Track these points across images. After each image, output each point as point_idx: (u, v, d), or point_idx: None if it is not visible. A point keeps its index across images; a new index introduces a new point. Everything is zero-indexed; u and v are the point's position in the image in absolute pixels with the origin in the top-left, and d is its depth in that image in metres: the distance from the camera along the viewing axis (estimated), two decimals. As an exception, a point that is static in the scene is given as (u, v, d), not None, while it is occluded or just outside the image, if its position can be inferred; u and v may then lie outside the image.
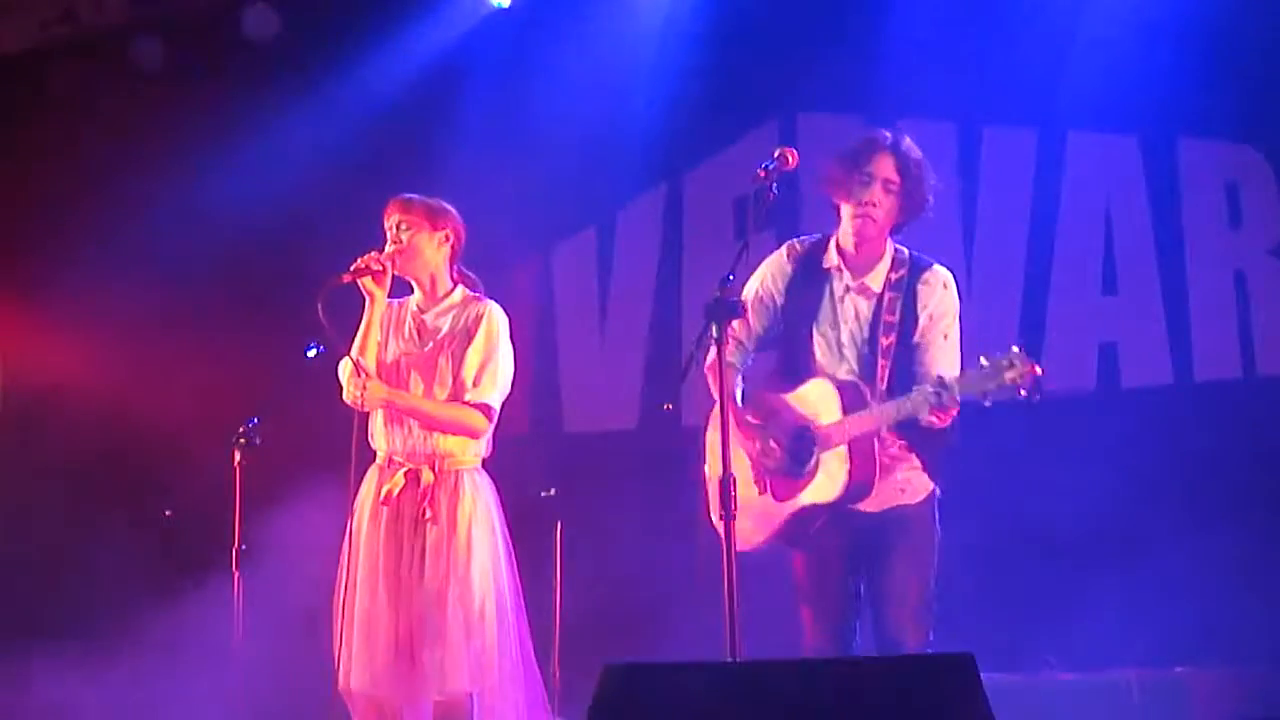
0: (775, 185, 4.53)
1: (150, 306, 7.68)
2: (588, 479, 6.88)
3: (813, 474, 4.72)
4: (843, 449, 4.68)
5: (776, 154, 4.55)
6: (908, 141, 4.86)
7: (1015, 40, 6.60)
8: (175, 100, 7.91)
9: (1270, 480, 6.15)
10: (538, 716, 5.05)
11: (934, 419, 4.58)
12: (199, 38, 8.01)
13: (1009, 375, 4.44)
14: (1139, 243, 6.67)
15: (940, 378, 4.58)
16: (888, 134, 4.87)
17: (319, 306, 4.80)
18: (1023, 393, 4.45)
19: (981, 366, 4.51)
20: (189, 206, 7.54)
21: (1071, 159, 6.77)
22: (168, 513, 7.33)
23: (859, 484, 4.68)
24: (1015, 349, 4.47)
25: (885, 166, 4.80)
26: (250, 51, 7.86)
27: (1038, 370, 4.45)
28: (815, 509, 4.73)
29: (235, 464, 5.46)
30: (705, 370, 4.59)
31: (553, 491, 6.26)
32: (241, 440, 5.46)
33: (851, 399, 4.70)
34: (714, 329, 4.36)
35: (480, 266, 6.68)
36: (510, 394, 5.09)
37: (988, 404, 4.53)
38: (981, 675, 3.54)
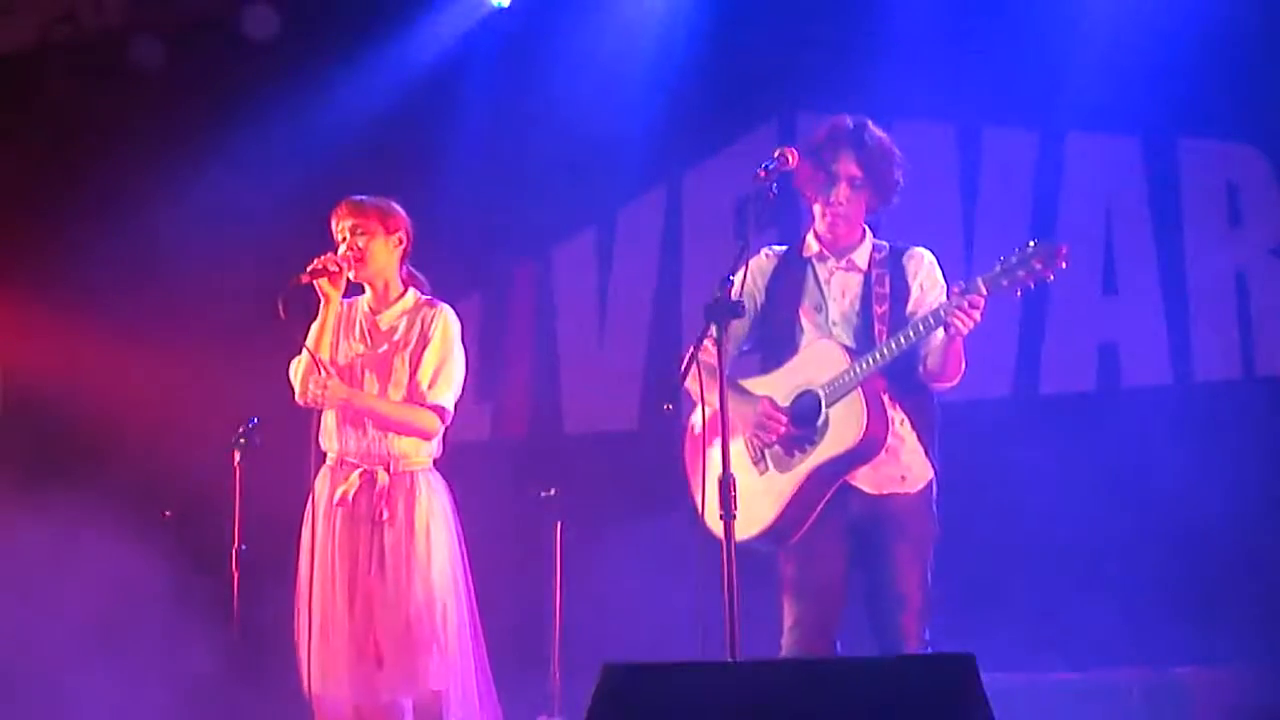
0: (775, 185, 4.53)
1: (150, 306, 7.68)
2: (588, 479, 6.88)
3: (824, 430, 4.69)
4: (856, 397, 4.64)
5: (776, 154, 4.55)
6: (870, 130, 4.84)
7: (1015, 40, 6.60)
8: (175, 100, 7.90)
9: (1270, 480, 6.15)
10: (495, 715, 5.07)
11: (960, 320, 4.49)
12: (199, 38, 8.01)
13: (1036, 260, 4.40)
14: (1139, 243, 6.66)
15: (963, 285, 4.54)
16: (849, 123, 4.84)
17: (279, 306, 4.83)
18: (1051, 276, 4.42)
19: (1003, 259, 4.47)
20: (189, 206, 7.54)
21: (1071, 159, 6.77)
22: (167, 513, 7.32)
23: (873, 436, 4.64)
24: (1034, 240, 4.44)
25: (848, 164, 4.80)
26: (250, 51, 7.86)
27: (1065, 250, 4.39)
28: (831, 464, 4.67)
29: (235, 464, 5.46)
30: (687, 383, 4.50)
31: (553, 491, 6.26)
32: (241, 440, 5.46)
33: (855, 353, 4.70)
34: (714, 329, 4.36)
35: (480, 266, 6.69)
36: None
37: (1018, 295, 4.49)
38: (981, 675, 3.54)
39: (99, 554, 7.34)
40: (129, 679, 6.97)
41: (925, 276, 4.82)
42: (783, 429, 4.74)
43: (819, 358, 4.76)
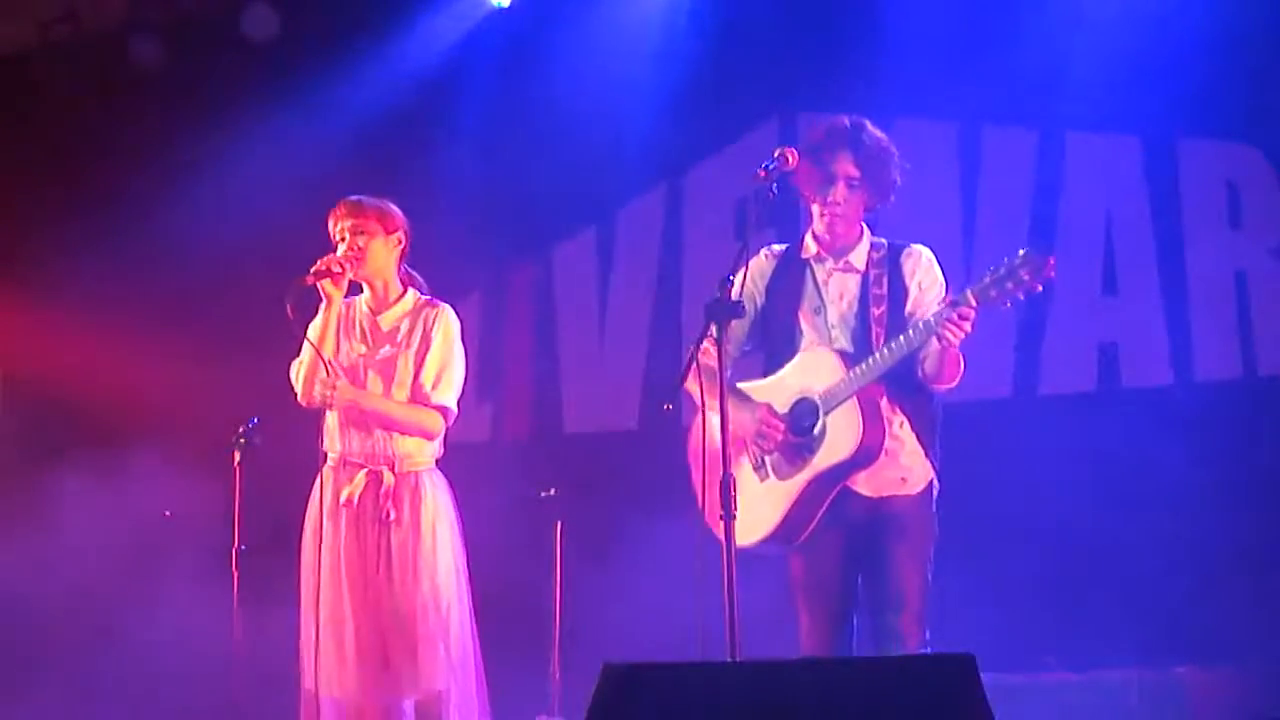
0: (775, 185, 4.52)
1: (150, 305, 7.68)
2: (588, 479, 6.88)
3: (821, 438, 4.70)
4: (852, 406, 4.65)
5: (776, 154, 4.54)
6: (868, 129, 4.83)
7: (1015, 40, 6.59)
8: (175, 100, 7.90)
9: (1270, 480, 6.15)
10: (488, 713, 5.10)
11: (951, 331, 4.48)
12: (199, 38, 8.01)
13: (1024, 272, 4.39)
14: (1139, 243, 6.66)
15: (953, 297, 4.54)
16: (846, 122, 4.84)
17: (288, 307, 4.85)
18: (1038, 287, 4.40)
19: (992, 270, 4.47)
20: (189, 205, 7.54)
21: (1071, 159, 6.77)
22: (167, 513, 7.33)
23: (869, 445, 4.65)
24: (1023, 250, 4.42)
25: (845, 164, 4.79)
26: (250, 51, 7.86)
27: (1052, 261, 4.37)
28: (830, 472, 4.68)
29: (235, 464, 5.46)
30: (687, 384, 4.50)
31: (553, 491, 6.26)
32: (241, 440, 5.46)
33: (852, 360, 4.71)
34: (714, 329, 4.36)
35: (480, 266, 6.68)
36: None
37: (1007, 305, 4.48)
38: (981, 675, 3.54)
39: (97, 553, 7.35)
40: (128, 677, 6.97)
41: (924, 275, 4.81)
42: (780, 437, 4.76)
43: (814, 366, 4.77)
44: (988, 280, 4.48)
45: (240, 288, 7.55)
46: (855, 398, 4.66)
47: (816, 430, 4.70)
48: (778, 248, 5.01)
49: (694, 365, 4.41)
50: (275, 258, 7.36)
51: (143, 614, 7.08)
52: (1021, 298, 4.46)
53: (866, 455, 4.67)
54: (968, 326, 4.51)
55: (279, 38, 7.83)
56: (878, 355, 4.65)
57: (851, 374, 4.67)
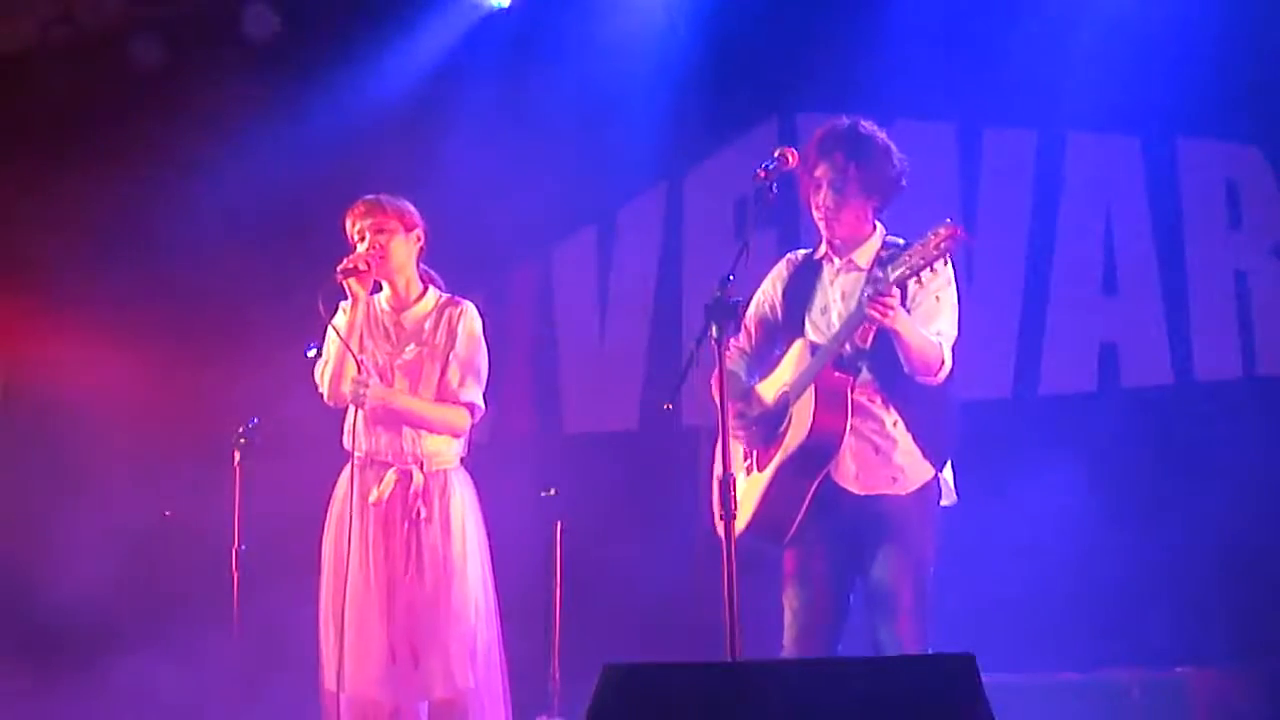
0: (775, 185, 4.53)
1: (150, 306, 7.68)
2: (588, 479, 6.88)
3: (788, 426, 4.73)
4: (810, 395, 4.67)
5: (776, 154, 4.55)
6: (861, 130, 4.81)
7: (1015, 40, 6.59)
8: (175, 100, 7.90)
9: (1271, 480, 6.14)
10: (511, 712, 5.13)
11: (876, 310, 4.48)
12: (199, 38, 8.01)
13: (934, 243, 4.40)
14: (1139, 243, 6.67)
15: (872, 275, 4.58)
16: (837, 126, 4.84)
17: (320, 304, 4.87)
18: (945, 260, 4.46)
19: (907, 250, 4.48)
20: (188, 206, 7.54)
21: (1071, 159, 6.77)
22: (168, 513, 7.33)
23: (825, 430, 4.63)
24: (947, 220, 4.43)
25: (828, 168, 4.79)
26: (250, 51, 7.86)
27: (959, 232, 4.38)
28: (793, 458, 4.68)
29: (235, 464, 5.46)
30: (711, 382, 4.57)
31: (553, 491, 6.26)
32: (241, 440, 5.46)
33: (817, 347, 4.73)
34: (714, 329, 4.37)
35: (480, 266, 6.68)
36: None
37: (919, 282, 4.54)
38: (982, 675, 3.54)
39: (97, 553, 7.35)
40: (128, 677, 6.96)
41: (925, 272, 4.80)
42: (753, 428, 4.77)
43: (792, 357, 4.82)
44: (903, 258, 4.48)
45: (239, 286, 7.56)
46: (814, 385, 4.67)
47: (786, 419, 4.74)
48: (801, 253, 5.03)
49: (693, 365, 4.43)
50: (275, 257, 7.40)
51: (144, 614, 7.08)
52: (932, 270, 4.47)
53: (825, 440, 4.65)
54: (893, 303, 4.50)
55: (279, 38, 7.83)
56: (832, 341, 4.67)
57: (810, 362, 4.70)
